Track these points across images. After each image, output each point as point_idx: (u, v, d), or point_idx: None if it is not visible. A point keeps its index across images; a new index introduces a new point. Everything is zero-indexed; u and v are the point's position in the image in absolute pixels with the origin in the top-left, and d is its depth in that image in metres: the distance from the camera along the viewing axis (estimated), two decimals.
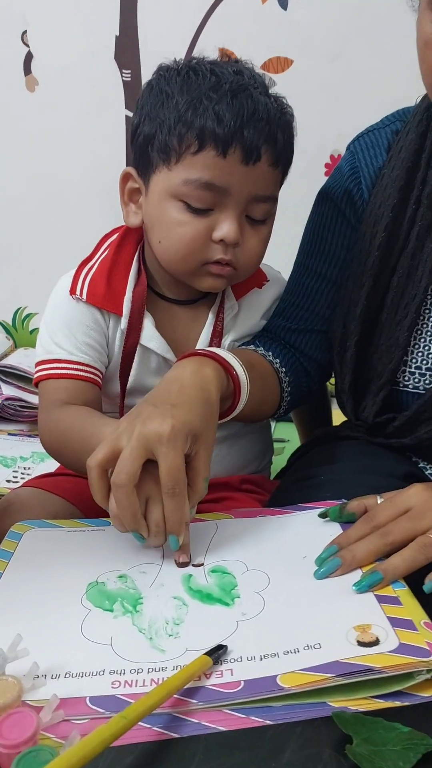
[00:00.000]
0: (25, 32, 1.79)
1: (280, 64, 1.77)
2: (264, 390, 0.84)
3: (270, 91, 0.78)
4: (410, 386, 0.84)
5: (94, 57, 1.80)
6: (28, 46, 1.81)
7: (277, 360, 0.89)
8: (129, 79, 1.81)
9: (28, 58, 1.82)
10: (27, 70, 1.83)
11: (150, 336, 0.83)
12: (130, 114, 1.83)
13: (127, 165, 1.92)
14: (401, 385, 0.85)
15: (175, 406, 0.63)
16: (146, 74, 1.80)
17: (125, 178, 0.82)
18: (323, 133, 1.77)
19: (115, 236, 0.86)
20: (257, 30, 1.75)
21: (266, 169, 0.75)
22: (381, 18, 1.66)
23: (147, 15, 1.75)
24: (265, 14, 1.73)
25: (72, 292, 0.82)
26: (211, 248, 0.77)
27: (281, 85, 1.87)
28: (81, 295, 0.82)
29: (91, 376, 0.83)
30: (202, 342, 0.86)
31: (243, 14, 1.74)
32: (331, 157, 1.82)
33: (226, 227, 0.75)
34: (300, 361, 0.92)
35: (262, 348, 0.89)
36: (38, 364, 0.84)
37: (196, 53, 1.77)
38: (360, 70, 1.73)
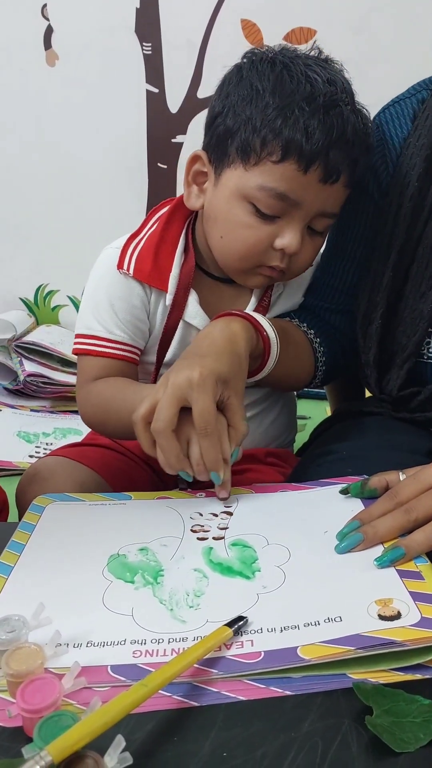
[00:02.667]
0: (44, 6, 1.78)
1: (303, 34, 1.74)
2: (297, 356, 0.86)
3: (357, 99, 0.77)
4: None
5: (115, 30, 1.79)
6: (48, 20, 1.80)
7: (312, 331, 0.90)
8: (150, 52, 1.80)
9: (48, 32, 1.81)
10: (47, 44, 1.82)
11: (194, 313, 0.84)
12: (151, 88, 1.82)
13: (148, 144, 1.92)
14: (425, 358, 0.85)
15: (203, 356, 0.67)
16: (167, 48, 1.78)
17: (194, 159, 0.81)
18: None
19: (164, 210, 0.87)
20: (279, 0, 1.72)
21: (340, 189, 0.76)
22: None
23: None
24: None
25: (119, 266, 0.83)
26: (270, 254, 0.78)
27: None
28: (128, 270, 0.83)
29: (129, 354, 0.85)
30: None
31: None
32: None
33: (289, 238, 0.76)
34: (335, 336, 0.94)
35: (297, 320, 0.91)
36: (78, 336, 0.86)
37: (217, 25, 1.75)
38: (383, 41, 1.70)
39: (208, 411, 0.64)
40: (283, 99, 0.71)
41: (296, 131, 0.71)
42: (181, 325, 0.85)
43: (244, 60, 0.77)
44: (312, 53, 0.78)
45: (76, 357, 0.88)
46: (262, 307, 0.88)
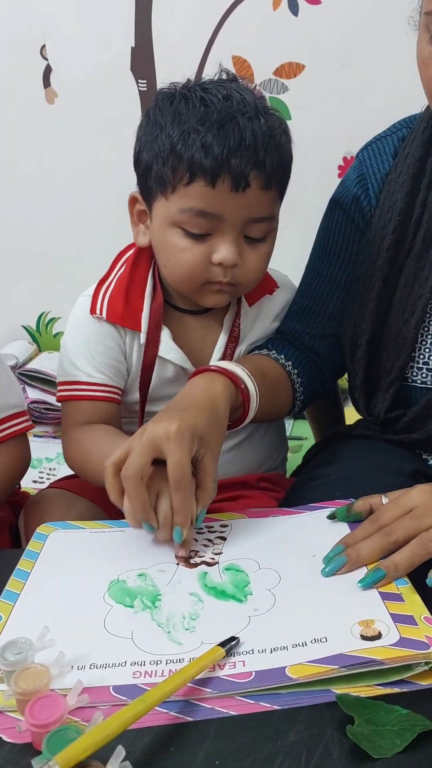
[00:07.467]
0: (44, 46, 1.84)
1: (292, 69, 1.80)
2: (275, 394, 0.88)
3: (264, 106, 0.79)
4: (418, 381, 0.88)
5: (111, 68, 1.85)
6: (46, 59, 1.86)
7: (290, 363, 0.92)
8: (145, 89, 1.85)
9: (47, 71, 1.87)
10: (46, 83, 1.88)
11: (168, 348, 0.87)
12: None
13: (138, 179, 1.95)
14: (410, 381, 0.89)
15: (183, 410, 0.69)
16: (162, 84, 1.84)
17: (132, 201, 0.85)
18: (335, 136, 1.80)
19: (130, 252, 0.90)
20: (269, 36, 1.77)
21: (258, 193, 0.77)
22: (390, 23, 1.68)
23: (162, 26, 1.80)
24: (277, 21, 1.76)
25: (92, 311, 0.86)
26: (212, 270, 0.80)
27: (293, 90, 1.90)
28: (101, 314, 0.86)
29: (110, 395, 0.87)
30: (219, 348, 0.90)
31: (255, 21, 1.77)
32: (344, 159, 1.84)
33: (223, 251, 0.78)
34: (314, 361, 0.96)
35: (274, 351, 0.93)
36: (60, 383, 0.89)
37: (209, 62, 1.81)
38: (370, 74, 1.75)
39: (183, 464, 0.64)
40: (181, 126, 0.75)
41: (195, 151, 0.74)
42: (157, 361, 0.88)
43: (152, 103, 0.82)
44: (221, 76, 0.82)
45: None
46: (233, 337, 0.91)
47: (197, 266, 0.80)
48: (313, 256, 0.99)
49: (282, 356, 0.93)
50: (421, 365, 0.87)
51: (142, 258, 0.89)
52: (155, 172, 0.78)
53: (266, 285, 0.94)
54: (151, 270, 0.89)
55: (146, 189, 0.82)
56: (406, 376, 0.89)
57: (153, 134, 0.78)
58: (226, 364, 0.79)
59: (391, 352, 0.88)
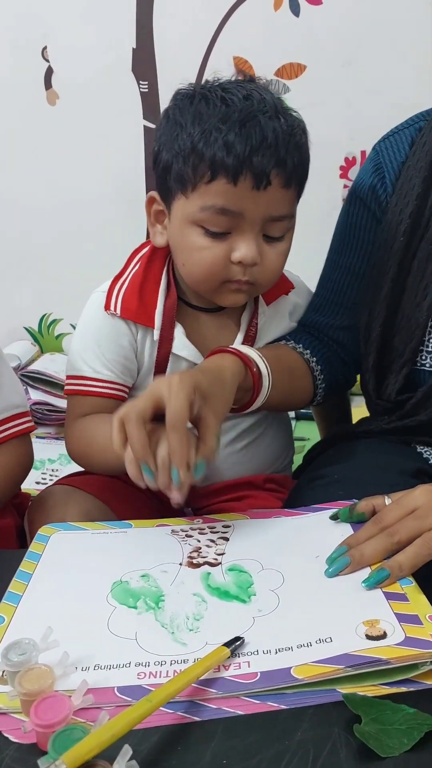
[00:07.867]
0: (45, 48, 1.85)
1: (294, 69, 1.80)
2: (291, 380, 0.89)
3: (283, 106, 0.80)
4: (427, 365, 0.88)
5: (112, 69, 1.85)
6: (48, 61, 1.86)
7: (308, 351, 0.93)
8: (146, 90, 1.86)
9: (49, 72, 1.87)
10: (48, 84, 1.88)
11: (182, 345, 0.88)
12: (149, 124, 1.88)
13: (147, 177, 1.96)
14: (419, 365, 0.89)
15: (187, 370, 0.71)
16: (163, 85, 1.84)
17: (150, 201, 0.86)
18: (337, 137, 1.80)
19: (145, 250, 0.91)
20: (271, 37, 1.77)
21: (278, 191, 0.78)
22: (391, 24, 1.68)
23: (163, 27, 1.80)
24: (278, 21, 1.76)
25: (106, 308, 0.86)
26: (231, 269, 0.81)
27: (295, 91, 1.90)
28: (115, 310, 0.86)
29: (116, 392, 0.88)
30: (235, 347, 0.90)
31: (256, 22, 1.77)
32: (345, 159, 1.84)
33: (243, 249, 0.79)
34: (336, 352, 0.97)
35: (292, 341, 0.94)
36: (68, 377, 0.90)
37: (210, 62, 1.81)
38: (371, 74, 1.75)
39: (181, 407, 0.65)
40: (202, 125, 0.76)
41: (217, 149, 0.75)
42: (171, 358, 0.88)
43: (171, 103, 0.82)
44: (238, 77, 0.82)
45: None
46: (249, 336, 0.91)
47: (217, 265, 0.80)
48: (332, 248, 1.00)
49: (300, 345, 0.94)
50: (431, 349, 0.88)
51: (157, 255, 0.90)
52: (175, 171, 0.78)
53: (283, 285, 0.94)
54: (165, 267, 0.89)
55: (165, 189, 0.82)
56: (416, 359, 0.89)
57: (173, 134, 0.78)
58: (239, 346, 0.81)
59: (403, 335, 0.89)
